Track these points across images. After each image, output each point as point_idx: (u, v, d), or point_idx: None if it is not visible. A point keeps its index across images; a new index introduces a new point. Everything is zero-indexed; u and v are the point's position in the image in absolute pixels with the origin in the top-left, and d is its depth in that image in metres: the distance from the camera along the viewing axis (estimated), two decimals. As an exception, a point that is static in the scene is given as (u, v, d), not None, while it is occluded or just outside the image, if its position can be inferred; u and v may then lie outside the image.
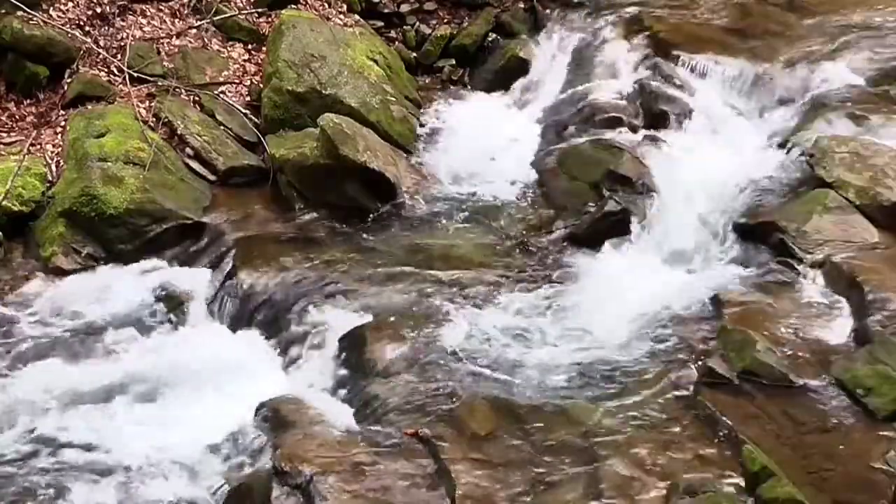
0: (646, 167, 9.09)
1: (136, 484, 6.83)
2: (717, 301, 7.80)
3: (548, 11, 11.36)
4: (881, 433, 6.65)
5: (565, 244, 8.84)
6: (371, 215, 9.25)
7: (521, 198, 9.49)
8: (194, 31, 10.64)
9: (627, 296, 8.06)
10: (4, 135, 9.62)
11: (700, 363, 7.25)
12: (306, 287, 8.37)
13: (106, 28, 10.30)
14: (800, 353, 7.25)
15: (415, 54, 11.41)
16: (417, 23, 11.55)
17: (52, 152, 9.42)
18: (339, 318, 7.98)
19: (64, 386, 7.59)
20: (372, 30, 11.15)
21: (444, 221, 9.25)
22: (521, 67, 10.97)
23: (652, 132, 9.57)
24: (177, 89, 9.98)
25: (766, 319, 7.54)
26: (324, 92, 9.86)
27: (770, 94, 9.71)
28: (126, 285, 8.58)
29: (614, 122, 9.75)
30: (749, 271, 8.15)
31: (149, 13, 10.64)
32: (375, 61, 10.48)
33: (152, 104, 9.78)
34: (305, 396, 7.36)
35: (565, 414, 6.97)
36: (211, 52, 10.55)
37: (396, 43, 11.38)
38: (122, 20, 10.42)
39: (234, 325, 8.35)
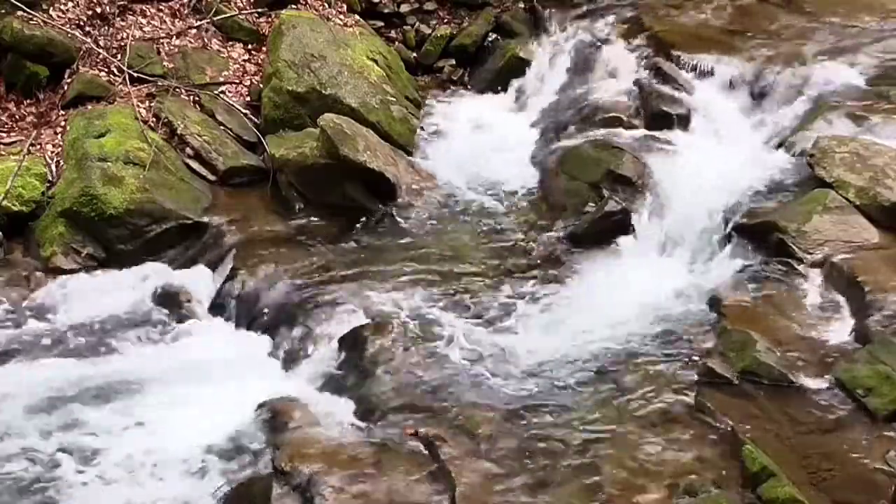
0: (646, 167, 9.09)
1: (136, 484, 6.83)
2: (717, 301, 7.80)
3: (548, 11, 11.36)
4: (881, 433, 6.65)
5: (565, 244, 8.83)
6: (371, 215, 9.24)
7: (521, 198, 9.49)
8: (194, 31, 10.64)
9: (627, 296, 8.06)
10: (4, 135, 9.62)
11: (700, 363, 7.25)
12: (306, 287, 8.37)
13: (106, 28, 10.30)
14: (800, 353, 7.25)
15: (415, 54, 11.42)
16: (417, 23, 11.56)
17: (52, 152, 9.42)
18: (339, 318, 7.98)
19: (63, 386, 7.58)
20: (372, 30, 11.16)
21: (443, 221, 9.25)
22: (520, 67, 10.98)
23: (652, 132, 9.57)
24: (177, 89, 9.98)
25: (766, 319, 7.54)
26: (324, 92, 9.86)
27: (770, 94, 9.71)
28: (126, 286, 8.58)
29: (614, 122, 9.75)
30: (749, 271, 8.13)
31: (149, 13, 10.64)
32: (375, 61, 10.49)
33: (152, 104, 9.78)
34: (305, 396, 7.36)
35: (565, 414, 6.98)
36: (211, 52, 10.55)
37: (396, 43, 11.39)
38: (122, 20, 10.43)
39: (234, 325, 8.36)
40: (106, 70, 10.06)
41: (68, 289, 8.51)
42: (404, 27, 11.54)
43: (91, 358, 7.93)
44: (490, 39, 11.43)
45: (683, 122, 9.60)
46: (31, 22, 9.84)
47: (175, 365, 7.81)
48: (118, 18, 10.40)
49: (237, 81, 10.39)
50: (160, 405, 7.46)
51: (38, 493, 6.75)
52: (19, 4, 9.72)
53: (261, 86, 10.18)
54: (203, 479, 6.83)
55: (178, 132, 9.57)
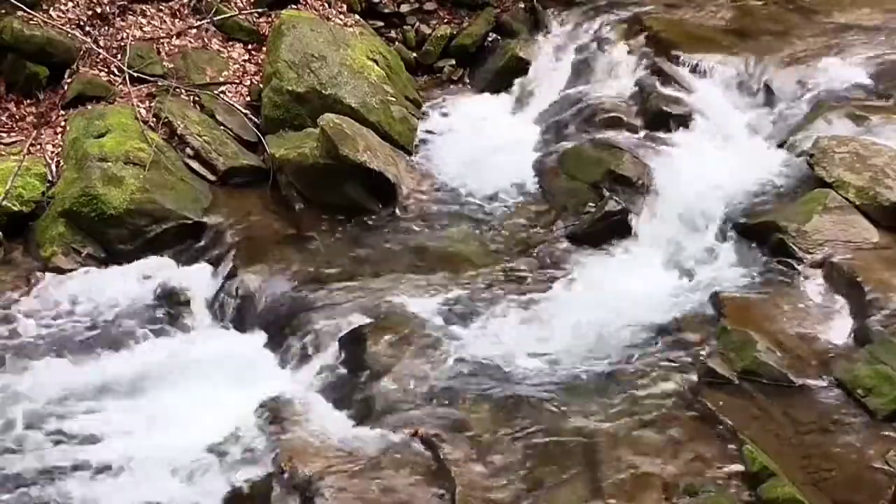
0: (646, 167, 9.10)
1: (136, 484, 6.82)
2: (717, 301, 7.80)
3: (548, 11, 11.36)
4: (881, 433, 6.66)
5: (565, 244, 8.84)
6: (371, 215, 9.24)
7: (522, 198, 9.48)
8: (194, 31, 10.64)
9: (628, 296, 8.06)
10: (4, 135, 9.61)
11: (700, 363, 7.26)
12: (306, 287, 8.37)
13: (106, 28, 10.30)
14: (800, 353, 7.25)
15: (415, 54, 11.42)
16: (417, 23, 11.57)
17: (52, 152, 9.42)
18: (339, 319, 7.98)
19: (63, 386, 7.58)
20: (372, 30, 11.16)
21: (444, 221, 9.25)
22: (521, 67, 10.98)
23: (652, 132, 9.57)
24: (177, 89, 9.98)
25: (766, 319, 7.55)
26: (324, 92, 9.86)
27: (770, 94, 9.71)
28: (126, 285, 8.57)
29: (614, 122, 9.75)
30: (749, 271, 8.15)
31: (149, 13, 10.65)
32: (375, 61, 10.48)
33: (152, 104, 9.78)
34: (305, 396, 7.36)
35: (565, 414, 6.98)
36: (211, 52, 10.55)
37: (396, 43, 11.38)
38: (122, 20, 10.43)
39: (234, 325, 8.35)
40: (106, 70, 10.06)
41: (68, 289, 8.50)
42: (404, 27, 11.54)
43: (90, 358, 7.93)
44: (490, 39, 11.44)
45: (684, 122, 9.59)
46: (31, 22, 9.83)
47: (175, 365, 7.80)
48: (118, 18, 10.40)
49: (237, 81, 10.39)
50: (160, 405, 7.46)
51: (37, 493, 6.75)
52: (19, 4, 9.71)
53: (261, 86, 10.18)
54: (203, 479, 6.84)
55: (178, 132, 9.57)
